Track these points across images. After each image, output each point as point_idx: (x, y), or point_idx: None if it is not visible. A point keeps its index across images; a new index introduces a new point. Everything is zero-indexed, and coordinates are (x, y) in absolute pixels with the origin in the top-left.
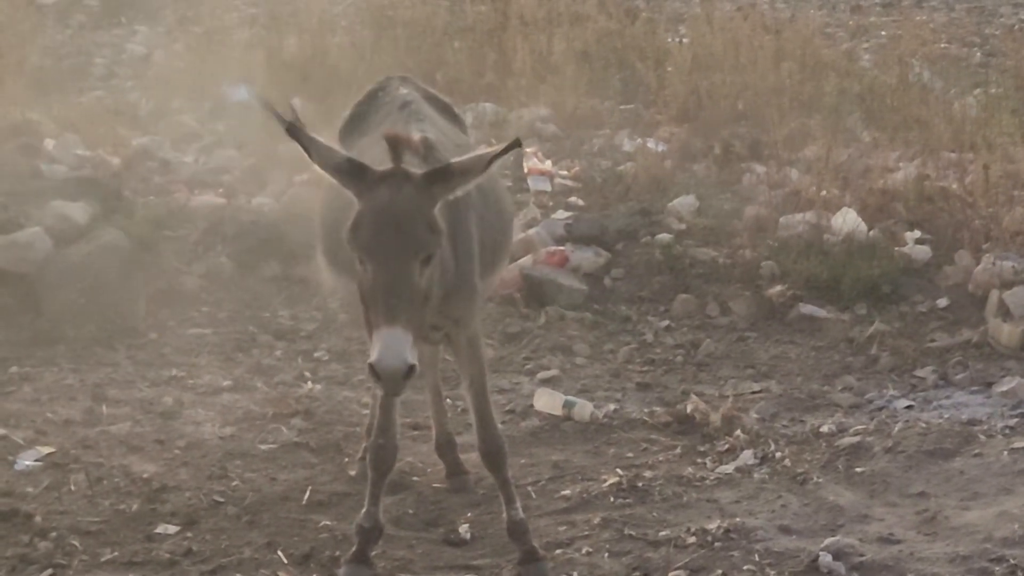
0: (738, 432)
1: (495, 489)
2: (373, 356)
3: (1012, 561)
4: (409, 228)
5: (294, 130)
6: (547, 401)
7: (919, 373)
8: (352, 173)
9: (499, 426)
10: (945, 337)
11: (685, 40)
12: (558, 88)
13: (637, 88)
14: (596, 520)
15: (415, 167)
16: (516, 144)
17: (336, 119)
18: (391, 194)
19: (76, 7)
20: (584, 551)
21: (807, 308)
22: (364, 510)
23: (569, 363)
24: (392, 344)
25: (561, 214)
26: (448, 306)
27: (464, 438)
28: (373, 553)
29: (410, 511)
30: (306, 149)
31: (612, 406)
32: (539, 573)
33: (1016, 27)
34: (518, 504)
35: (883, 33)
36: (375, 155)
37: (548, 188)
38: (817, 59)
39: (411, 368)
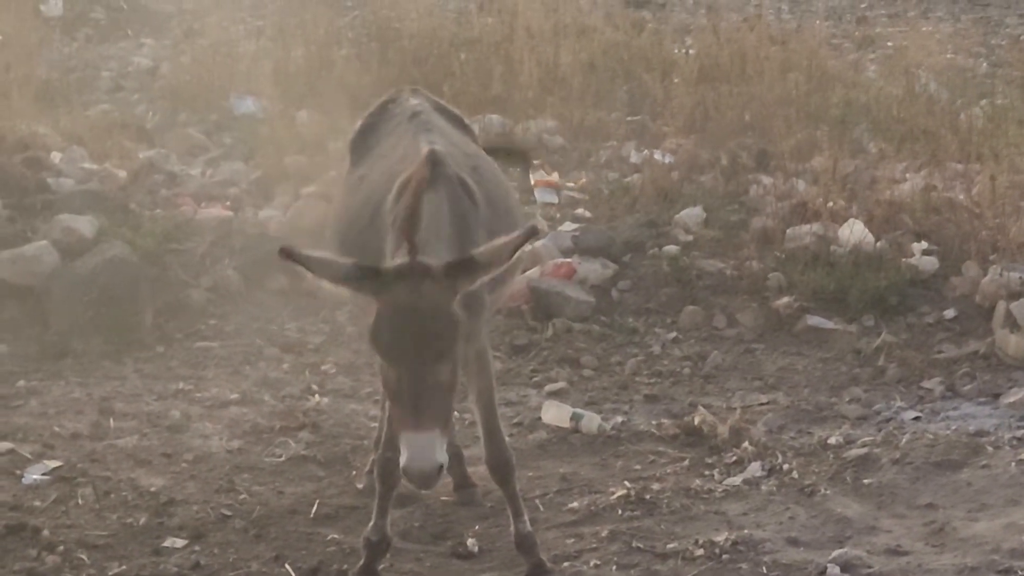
0: (746, 444)
1: (503, 502)
2: (403, 460)
3: (1020, 572)
4: (432, 329)
5: (289, 252)
6: (555, 413)
7: (926, 384)
8: (363, 277)
9: (507, 439)
10: (952, 348)
11: (691, 51)
12: (565, 100)
13: (644, 99)
14: (604, 532)
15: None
16: (534, 232)
17: (343, 131)
18: (410, 293)
19: (83, 20)
20: (592, 564)
21: (814, 319)
22: (372, 523)
23: (576, 375)
24: (421, 449)
25: (568, 226)
26: None
27: (472, 451)
28: (381, 567)
29: (417, 524)
30: (308, 268)
31: (620, 418)
32: None
33: (1022, 37)
34: (525, 517)
35: (889, 44)
36: (387, 167)
37: (555, 200)
38: (823, 70)
39: (441, 467)
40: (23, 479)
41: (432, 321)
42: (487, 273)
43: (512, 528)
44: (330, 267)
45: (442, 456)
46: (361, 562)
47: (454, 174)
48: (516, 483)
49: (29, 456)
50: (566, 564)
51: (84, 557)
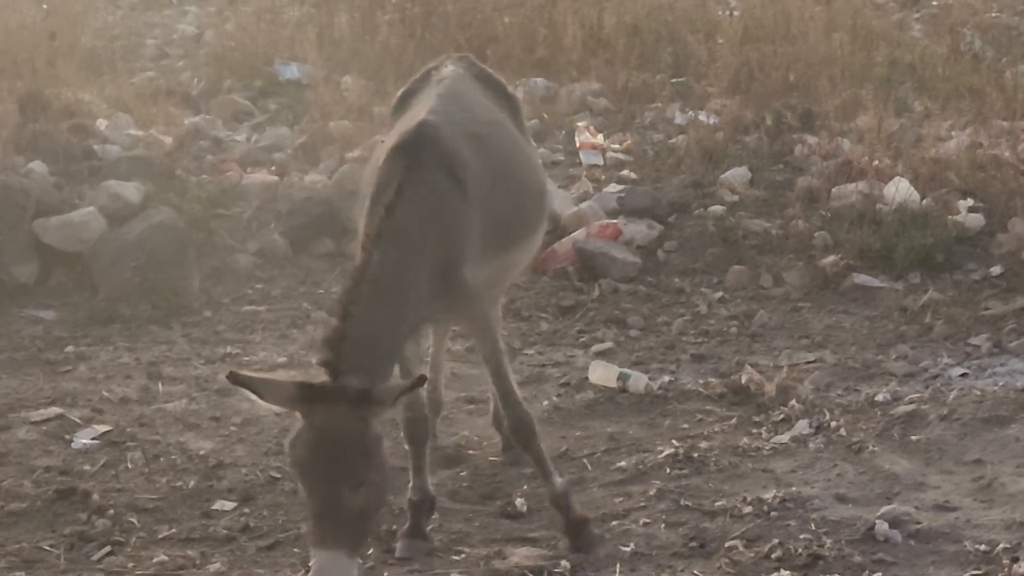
0: (793, 402)
1: (552, 462)
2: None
3: None
4: (342, 454)
5: (235, 378)
6: (602, 374)
7: (973, 341)
8: (301, 397)
9: (523, 402)
10: (999, 305)
11: (735, 12)
12: (609, 62)
13: (688, 61)
14: (652, 491)
15: None
16: (421, 382)
17: (387, 95)
18: (324, 415)
19: None
20: (640, 522)
21: (860, 278)
22: (410, 484)
23: (623, 335)
24: (324, 568)
25: (614, 187)
26: (439, 307)
27: None
28: (429, 527)
29: (466, 484)
30: (255, 392)
31: (667, 378)
32: (588, 541)
33: None
34: (556, 477)
35: (934, 3)
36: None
37: (600, 162)
38: (868, 30)
39: None
40: (73, 444)
41: (342, 446)
42: (382, 410)
43: (546, 490)
44: (277, 389)
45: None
46: (408, 523)
47: (434, 160)
48: (540, 444)
49: (78, 421)
50: (615, 523)
51: (134, 520)
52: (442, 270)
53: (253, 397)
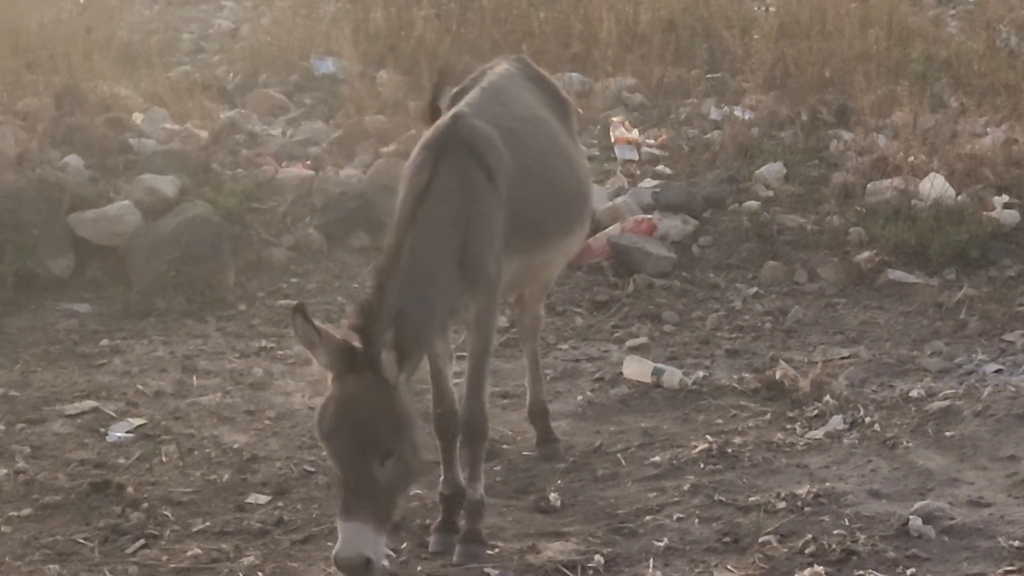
0: (827, 397)
1: (586, 456)
2: (335, 548)
3: None
4: (368, 423)
5: (301, 311)
6: (636, 368)
7: (1008, 337)
8: (345, 357)
9: (487, 405)
10: None
11: (771, 8)
12: (644, 57)
13: (723, 56)
14: (686, 486)
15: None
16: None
17: (422, 91)
18: (355, 383)
19: None
20: (675, 517)
21: (895, 274)
22: (442, 478)
23: (658, 330)
24: (349, 539)
25: (648, 183)
26: (462, 298)
27: (555, 406)
28: (461, 520)
29: (500, 479)
30: (312, 333)
31: (701, 373)
32: (470, 554)
33: None
34: (480, 486)
35: None
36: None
37: (635, 157)
38: (904, 25)
39: (368, 562)
40: (107, 437)
41: (371, 416)
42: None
43: (467, 491)
44: (329, 339)
45: (371, 550)
46: (440, 517)
47: (465, 148)
48: (483, 449)
49: (113, 414)
50: (648, 518)
51: (168, 513)
52: (468, 258)
53: (303, 339)
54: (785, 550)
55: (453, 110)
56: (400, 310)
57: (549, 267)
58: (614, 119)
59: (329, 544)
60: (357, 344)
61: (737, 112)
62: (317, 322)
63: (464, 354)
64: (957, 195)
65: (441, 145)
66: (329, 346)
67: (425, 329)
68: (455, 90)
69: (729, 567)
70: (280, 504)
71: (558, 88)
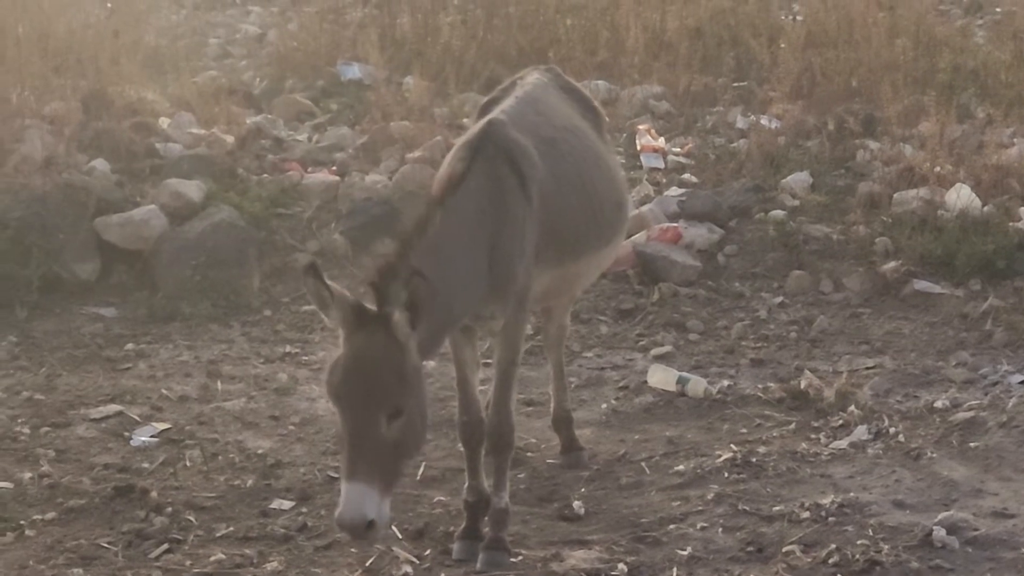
0: (852, 408)
1: (610, 464)
2: (337, 509)
3: None
4: (378, 380)
5: (313, 270)
6: (661, 377)
7: None
8: (356, 315)
9: (513, 414)
10: None
11: (799, 17)
12: (671, 65)
13: (750, 65)
14: (710, 495)
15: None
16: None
17: (447, 97)
18: (366, 341)
19: None
20: (699, 526)
21: (921, 284)
22: (466, 485)
23: (683, 339)
24: (351, 499)
25: (674, 191)
26: (484, 304)
27: (579, 414)
28: (485, 528)
29: (524, 486)
30: (324, 292)
31: (726, 382)
32: (493, 561)
33: None
34: (506, 495)
35: (998, 10)
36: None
37: (661, 165)
38: (931, 36)
39: (370, 523)
40: (132, 441)
41: (380, 372)
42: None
43: (492, 500)
44: (340, 298)
45: (374, 512)
46: (464, 523)
47: (501, 151)
48: (509, 458)
49: (137, 419)
50: (672, 526)
51: (192, 518)
52: (496, 263)
53: (315, 299)
54: (809, 560)
55: (488, 116)
56: (416, 269)
57: (582, 278)
58: (640, 127)
59: (353, 550)
60: (369, 305)
61: (764, 121)
62: (329, 281)
63: (490, 361)
64: (983, 206)
65: (478, 145)
66: (341, 305)
67: (443, 314)
68: (486, 99)
69: None
70: (304, 510)
71: (590, 98)
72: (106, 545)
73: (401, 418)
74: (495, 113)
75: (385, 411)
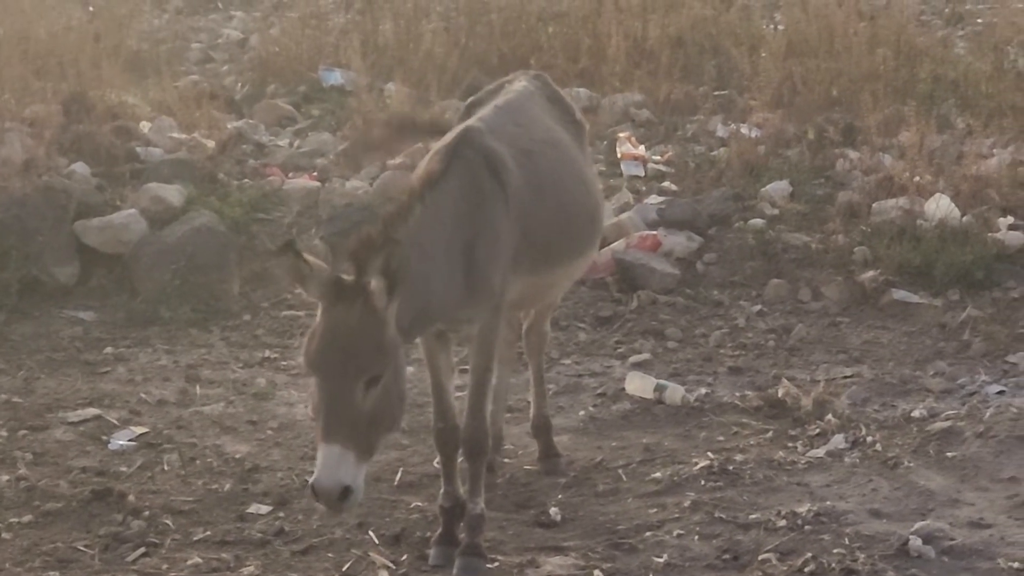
0: (829, 416)
1: (587, 471)
2: (313, 475)
3: None
4: (357, 347)
5: (291, 247)
6: (639, 384)
7: (1011, 359)
8: (334, 287)
9: (488, 421)
10: None
11: (780, 26)
12: (652, 74)
13: (731, 74)
14: (686, 503)
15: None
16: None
17: (429, 104)
18: (345, 311)
19: None
20: (675, 533)
21: (899, 293)
22: (442, 491)
23: (661, 347)
24: (328, 462)
25: (654, 199)
26: (461, 309)
27: (557, 421)
28: (462, 534)
29: (501, 492)
30: (302, 266)
31: (703, 390)
32: (469, 568)
33: None
34: (481, 501)
35: (979, 20)
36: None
37: (641, 173)
38: (912, 46)
39: (346, 489)
40: (110, 445)
41: (358, 341)
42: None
43: (468, 505)
44: (318, 271)
45: (350, 478)
46: (440, 530)
47: (480, 155)
48: (483, 465)
49: (116, 422)
50: (648, 534)
51: (169, 522)
52: (474, 266)
53: (293, 274)
54: (785, 568)
55: (466, 123)
56: (392, 237)
57: (556, 288)
58: (621, 135)
59: (330, 555)
60: (347, 277)
61: (744, 130)
62: (308, 256)
63: (467, 368)
64: (962, 216)
65: (455, 148)
66: (319, 277)
67: (418, 303)
68: (469, 100)
69: None
70: (281, 515)
71: (574, 109)
72: (83, 548)
73: (378, 387)
74: (472, 120)
75: (362, 379)
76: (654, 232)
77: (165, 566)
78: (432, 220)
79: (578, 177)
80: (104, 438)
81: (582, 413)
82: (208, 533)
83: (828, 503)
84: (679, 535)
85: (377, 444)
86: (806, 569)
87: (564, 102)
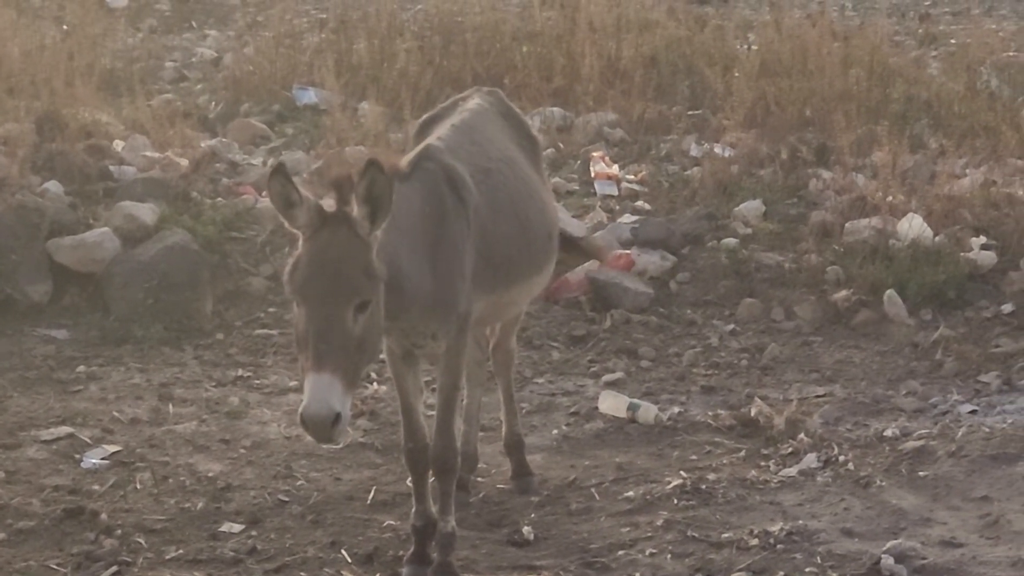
0: (802, 435)
1: (560, 490)
2: (302, 404)
3: None
4: (344, 271)
5: (281, 169)
6: (612, 403)
7: (983, 378)
8: (318, 216)
9: (456, 439)
10: (1010, 343)
11: (753, 46)
12: (626, 93)
13: (705, 94)
14: (659, 522)
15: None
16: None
17: (403, 123)
18: (330, 237)
19: (147, 11)
20: (647, 552)
21: (872, 313)
22: (414, 510)
23: (634, 366)
24: (318, 391)
25: (627, 218)
26: (425, 322)
27: (530, 440)
28: (434, 553)
29: (473, 511)
30: (292, 193)
31: (676, 409)
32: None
33: None
34: (452, 519)
35: (952, 41)
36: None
37: (615, 192)
38: (885, 66)
39: (337, 416)
40: (82, 463)
41: (346, 264)
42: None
43: (438, 523)
44: (306, 200)
45: (340, 405)
46: (412, 548)
47: (442, 170)
48: (453, 483)
49: (88, 440)
50: (621, 552)
51: (142, 541)
52: (439, 278)
53: (281, 198)
54: None
55: (426, 142)
56: (372, 159)
57: (513, 306)
58: (594, 154)
59: (302, 574)
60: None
61: (717, 149)
62: (297, 181)
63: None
64: (935, 236)
65: (417, 163)
66: (306, 204)
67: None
68: (425, 117)
69: None
70: (253, 533)
71: (529, 126)
72: (55, 567)
73: (366, 313)
74: (431, 139)
75: (353, 303)
76: (627, 251)
77: None
78: (403, 206)
79: (534, 195)
80: (76, 456)
81: (555, 432)
82: (180, 552)
83: (800, 522)
84: (652, 554)
85: (360, 374)
86: None
87: (518, 118)
